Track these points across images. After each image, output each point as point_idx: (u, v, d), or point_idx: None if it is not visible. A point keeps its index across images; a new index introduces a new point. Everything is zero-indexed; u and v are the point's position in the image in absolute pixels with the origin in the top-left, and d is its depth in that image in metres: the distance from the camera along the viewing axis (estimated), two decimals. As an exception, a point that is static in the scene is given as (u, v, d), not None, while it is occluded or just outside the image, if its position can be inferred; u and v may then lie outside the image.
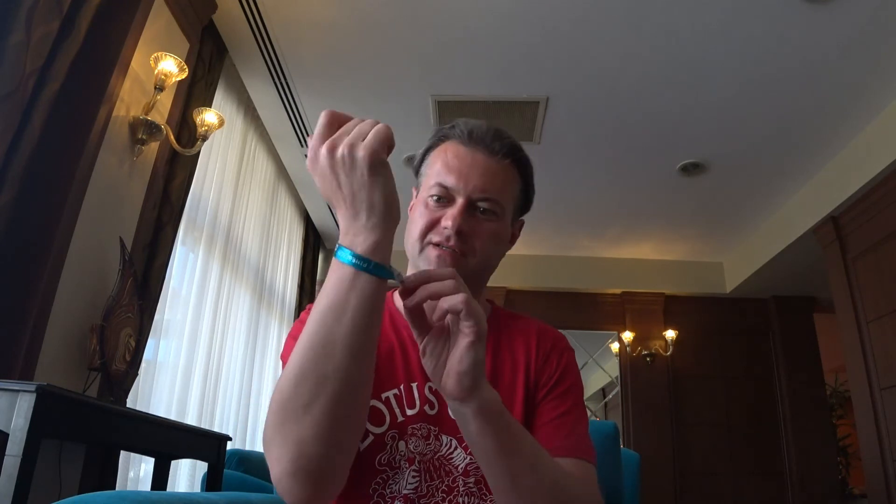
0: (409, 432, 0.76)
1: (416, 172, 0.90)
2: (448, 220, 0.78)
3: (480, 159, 0.82)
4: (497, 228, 0.82)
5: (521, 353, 0.85)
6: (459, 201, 0.80)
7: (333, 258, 0.61)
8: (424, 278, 0.62)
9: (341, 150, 0.58)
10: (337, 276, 0.59)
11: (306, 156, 0.62)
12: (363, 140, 0.58)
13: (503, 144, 0.83)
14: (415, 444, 0.76)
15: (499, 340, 0.86)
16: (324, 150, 0.58)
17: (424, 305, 0.63)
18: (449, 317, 0.62)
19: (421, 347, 0.64)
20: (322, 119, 0.59)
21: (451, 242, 0.78)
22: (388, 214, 0.59)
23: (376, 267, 0.58)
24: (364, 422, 0.65)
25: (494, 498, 0.69)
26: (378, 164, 0.58)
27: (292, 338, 0.79)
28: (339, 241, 0.61)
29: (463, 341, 0.60)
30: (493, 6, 2.54)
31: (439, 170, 0.83)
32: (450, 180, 0.81)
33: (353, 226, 0.59)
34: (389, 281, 0.61)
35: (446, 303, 0.60)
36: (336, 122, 0.60)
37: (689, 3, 2.47)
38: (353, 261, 0.58)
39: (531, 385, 0.82)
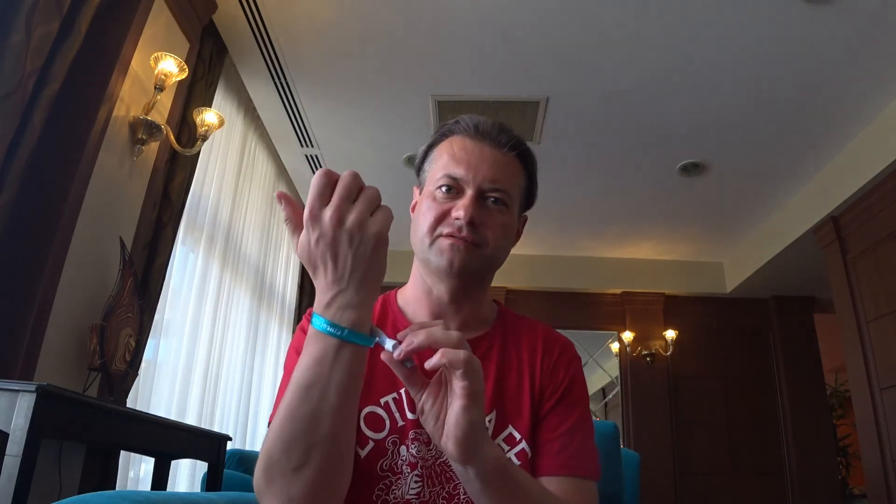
0: (410, 437, 0.74)
1: (419, 170, 0.88)
2: (460, 211, 0.77)
3: (488, 151, 0.81)
4: (507, 220, 0.81)
5: (526, 357, 0.83)
6: (469, 192, 0.78)
7: (311, 328, 0.59)
8: (418, 327, 0.61)
9: (351, 222, 0.56)
10: (318, 348, 0.58)
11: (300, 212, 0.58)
12: (372, 215, 0.57)
13: (509, 138, 0.82)
14: (417, 448, 0.74)
15: (505, 343, 0.84)
16: (331, 216, 0.56)
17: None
18: (445, 371, 0.60)
19: (418, 406, 0.62)
20: (320, 179, 0.57)
21: (464, 233, 0.77)
22: (376, 289, 0.59)
23: (364, 338, 0.58)
24: (350, 470, 0.64)
25: None
26: (385, 243, 0.58)
27: (294, 349, 0.77)
28: (319, 312, 0.58)
29: (457, 403, 0.58)
30: (493, 6, 2.54)
31: (447, 162, 0.81)
32: (459, 171, 0.80)
33: (339, 298, 0.57)
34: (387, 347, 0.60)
35: (446, 356, 0.58)
36: (332, 182, 0.57)
37: (688, 3, 2.47)
38: (337, 333, 0.57)
39: (536, 394, 0.80)
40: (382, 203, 0.59)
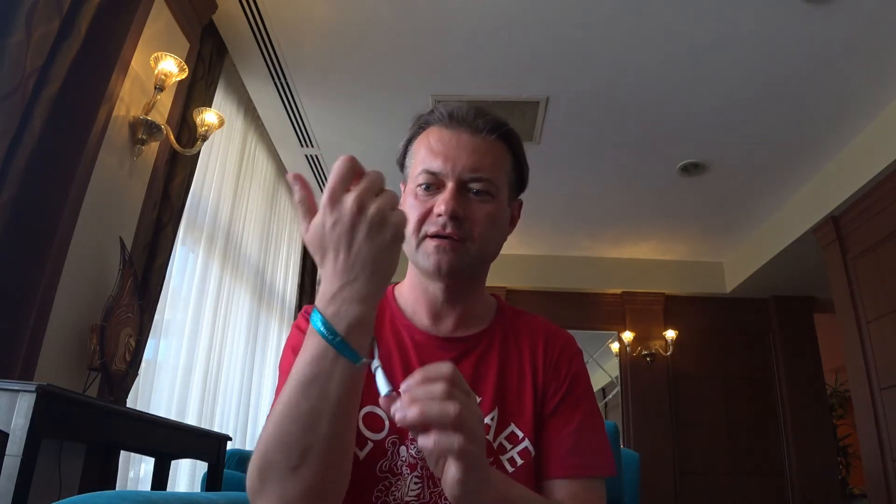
0: (409, 436, 0.73)
1: (401, 166, 0.85)
2: (441, 206, 0.74)
3: (466, 139, 0.77)
4: (493, 209, 0.77)
5: (527, 354, 0.81)
6: (450, 185, 0.75)
7: (311, 327, 0.56)
8: (421, 380, 0.54)
9: (373, 211, 0.54)
10: (319, 344, 0.55)
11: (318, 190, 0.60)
12: (392, 208, 0.56)
13: (486, 121, 0.78)
14: (416, 449, 0.72)
15: (505, 339, 0.82)
16: (354, 201, 0.54)
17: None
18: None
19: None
20: (344, 165, 0.55)
21: (448, 230, 0.74)
22: (385, 284, 0.57)
23: (355, 355, 0.55)
24: (349, 471, 0.60)
25: None
26: (401, 239, 0.57)
27: (290, 349, 0.76)
28: (321, 307, 0.55)
29: (452, 469, 0.53)
30: (493, 6, 2.54)
31: (424, 156, 0.78)
32: (436, 165, 0.76)
33: (346, 290, 0.55)
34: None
35: (438, 445, 0.51)
36: (356, 171, 0.56)
37: (688, 4, 2.47)
38: (330, 338, 0.54)
39: (539, 392, 0.78)
40: None
